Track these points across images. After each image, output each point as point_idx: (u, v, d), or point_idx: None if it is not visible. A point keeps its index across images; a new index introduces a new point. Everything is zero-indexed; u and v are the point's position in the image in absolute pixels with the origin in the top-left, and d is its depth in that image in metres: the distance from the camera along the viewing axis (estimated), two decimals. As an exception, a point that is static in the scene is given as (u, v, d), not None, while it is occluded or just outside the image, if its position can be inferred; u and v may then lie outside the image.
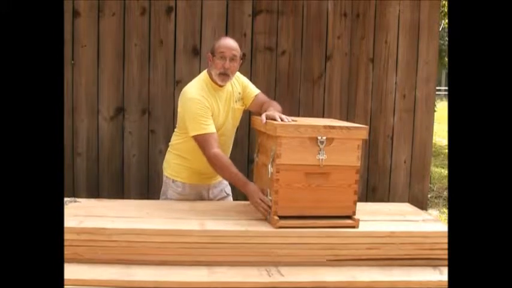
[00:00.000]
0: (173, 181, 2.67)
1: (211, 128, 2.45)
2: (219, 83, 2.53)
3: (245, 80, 2.72)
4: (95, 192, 3.44)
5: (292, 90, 3.59)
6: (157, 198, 2.84)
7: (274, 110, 2.43)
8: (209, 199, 2.72)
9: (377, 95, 3.67)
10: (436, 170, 7.20)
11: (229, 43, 2.55)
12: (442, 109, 11.98)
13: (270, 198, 2.24)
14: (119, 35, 3.41)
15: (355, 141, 2.23)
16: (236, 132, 2.76)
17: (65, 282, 1.46)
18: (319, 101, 3.62)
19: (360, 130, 2.25)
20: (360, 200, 2.42)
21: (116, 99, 3.45)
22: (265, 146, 2.36)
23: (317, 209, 2.22)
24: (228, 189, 2.80)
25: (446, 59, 11.10)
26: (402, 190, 3.75)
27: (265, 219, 2.26)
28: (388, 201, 3.65)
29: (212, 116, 2.49)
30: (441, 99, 19.79)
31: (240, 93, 2.65)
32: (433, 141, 4.34)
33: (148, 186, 3.50)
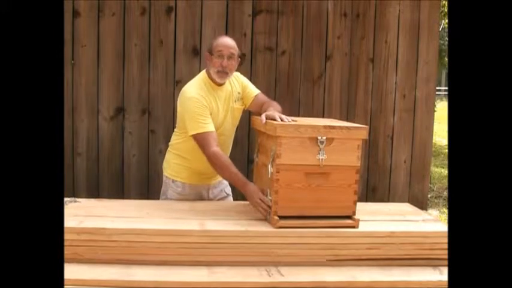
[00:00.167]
0: (173, 181, 2.67)
1: (210, 127, 2.45)
2: (218, 80, 2.53)
3: (245, 80, 2.72)
4: (95, 192, 3.44)
5: (292, 90, 3.59)
6: (157, 198, 2.84)
7: (274, 110, 2.43)
8: (209, 199, 2.72)
9: (377, 95, 3.67)
10: (436, 170, 7.20)
11: (227, 41, 2.55)
12: (442, 109, 11.98)
13: (270, 198, 2.24)
14: (119, 35, 3.41)
15: (355, 141, 2.23)
16: (236, 132, 2.76)
17: (65, 282, 1.46)
18: (319, 101, 3.62)
19: (360, 130, 2.25)
20: (360, 200, 2.42)
21: (116, 99, 3.45)
22: (265, 146, 2.36)
23: (317, 209, 2.22)
24: (228, 190, 2.80)
25: (446, 59, 11.11)
26: (402, 190, 3.75)
27: (265, 219, 2.26)
28: (388, 201, 3.65)
29: (211, 114, 2.49)
30: (441, 99, 19.79)
31: (239, 93, 2.65)
32: (433, 141, 4.34)
33: (148, 186, 3.50)
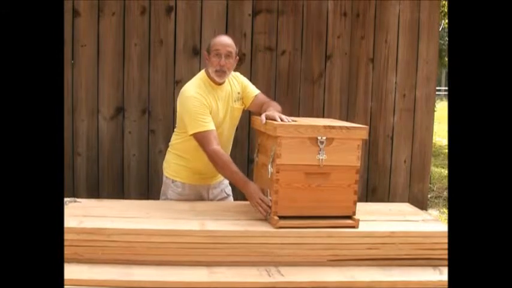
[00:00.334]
0: (173, 181, 2.67)
1: (210, 126, 2.45)
2: (217, 80, 2.53)
3: (245, 80, 2.72)
4: (95, 192, 3.44)
5: (292, 90, 3.59)
6: (157, 198, 2.84)
7: (274, 110, 2.43)
8: (209, 199, 2.71)
9: (377, 95, 3.67)
10: (436, 170, 7.20)
11: (224, 40, 2.55)
12: (442, 109, 11.97)
13: (270, 198, 2.24)
14: (119, 35, 3.40)
15: (355, 141, 2.23)
16: (236, 132, 2.75)
17: (65, 282, 1.46)
18: (319, 101, 3.62)
19: (359, 130, 2.25)
20: (360, 200, 2.42)
21: (116, 99, 3.44)
22: (265, 146, 2.36)
23: (317, 209, 2.22)
24: (228, 190, 2.80)
25: (446, 59, 11.10)
26: (402, 190, 3.75)
27: (265, 219, 2.26)
28: (388, 201, 3.64)
29: (210, 113, 2.49)
30: (441, 99, 19.78)
31: (239, 93, 2.65)
32: (433, 141, 4.34)
33: (148, 186, 3.50)
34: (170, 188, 2.68)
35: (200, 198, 2.68)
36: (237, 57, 2.61)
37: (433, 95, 3.79)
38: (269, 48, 3.54)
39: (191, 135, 2.47)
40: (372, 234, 2.20)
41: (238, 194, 2.67)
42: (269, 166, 2.24)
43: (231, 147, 2.73)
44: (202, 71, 2.63)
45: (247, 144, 3.51)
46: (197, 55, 3.46)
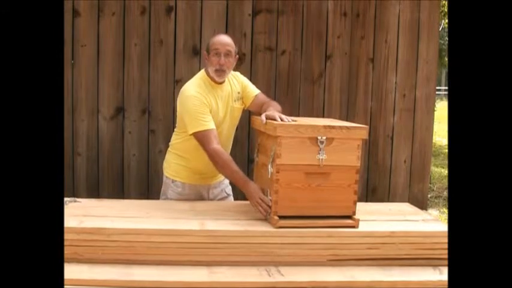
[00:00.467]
0: (173, 181, 2.67)
1: (210, 125, 2.45)
2: (216, 79, 2.53)
3: (245, 80, 2.72)
4: (95, 192, 3.44)
5: (292, 90, 3.59)
6: (157, 198, 2.84)
7: (274, 110, 2.43)
8: (209, 199, 2.71)
9: (377, 95, 3.67)
10: (436, 170, 7.20)
11: (223, 39, 2.55)
12: (442, 109, 11.97)
13: (270, 198, 2.24)
14: (119, 35, 3.40)
15: (355, 141, 2.23)
16: (236, 132, 2.75)
17: (65, 282, 1.46)
18: (319, 101, 3.62)
19: (359, 130, 2.25)
20: (360, 200, 2.42)
21: (116, 99, 3.44)
22: (265, 146, 2.36)
23: (317, 208, 2.22)
24: (229, 190, 2.80)
25: (446, 59, 11.10)
26: (402, 190, 3.75)
27: (265, 219, 2.26)
28: (388, 201, 3.64)
29: (210, 113, 2.49)
30: (441, 99, 19.78)
31: (239, 93, 2.65)
32: (433, 141, 4.34)
33: (148, 186, 3.50)
34: (170, 188, 2.68)
35: (200, 198, 2.68)
36: (237, 56, 2.61)
37: (433, 95, 3.79)
38: (269, 48, 3.54)
39: (191, 134, 2.46)
40: (371, 234, 2.20)
41: (239, 194, 2.67)
42: (269, 166, 2.24)
43: (231, 147, 2.73)
44: (202, 71, 2.63)
45: (247, 144, 3.51)
46: (197, 55, 3.46)
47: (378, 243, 2.18)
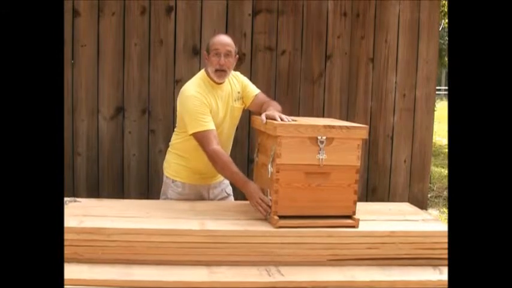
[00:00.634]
0: (173, 181, 2.67)
1: (210, 125, 2.45)
2: (217, 80, 2.53)
3: (245, 80, 2.72)
4: (95, 192, 3.44)
5: (292, 90, 3.59)
6: (157, 198, 2.84)
7: (274, 109, 2.43)
8: (209, 199, 2.71)
9: (377, 95, 3.67)
10: (436, 169, 7.20)
11: (223, 39, 2.55)
12: (442, 109, 11.97)
13: (270, 198, 2.24)
14: (119, 35, 3.40)
15: (355, 141, 2.23)
16: (236, 132, 2.75)
17: (65, 282, 1.46)
18: (319, 100, 3.62)
19: (359, 130, 2.25)
20: (360, 199, 2.42)
21: (116, 99, 3.44)
22: (265, 146, 2.36)
23: (317, 208, 2.22)
24: (229, 190, 2.80)
25: (446, 59, 11.10)
26: (402, 190, 3.75)
27: (265, 219, 2.26)
28: (388, 201, 3.64)
29: (210, 113, 2.49)
30: (441, 99, 19.78)
31: (239, 93, 2.65)
32: (433, 141, 4.34)
33: (148, 186, 3.50)
34: (170, 188, 2.68)
35: (200, 198, 2.68)
36: (237, 56, 2.61)
37: (433, 94, 3.79)
38: (269, 48, 3.54)
39: (191, 134, 2.46)
40: (371, 234, 2.20)
41: (239, 194, 2.66)
42: (269, 166, 2.24)
43: (231, 147, 2.73)
44: (202, 71, 2.63)
45: (247, 144, 3.51)
46: (197, 55, 3.46)
47: (377, 243, 2.18)
